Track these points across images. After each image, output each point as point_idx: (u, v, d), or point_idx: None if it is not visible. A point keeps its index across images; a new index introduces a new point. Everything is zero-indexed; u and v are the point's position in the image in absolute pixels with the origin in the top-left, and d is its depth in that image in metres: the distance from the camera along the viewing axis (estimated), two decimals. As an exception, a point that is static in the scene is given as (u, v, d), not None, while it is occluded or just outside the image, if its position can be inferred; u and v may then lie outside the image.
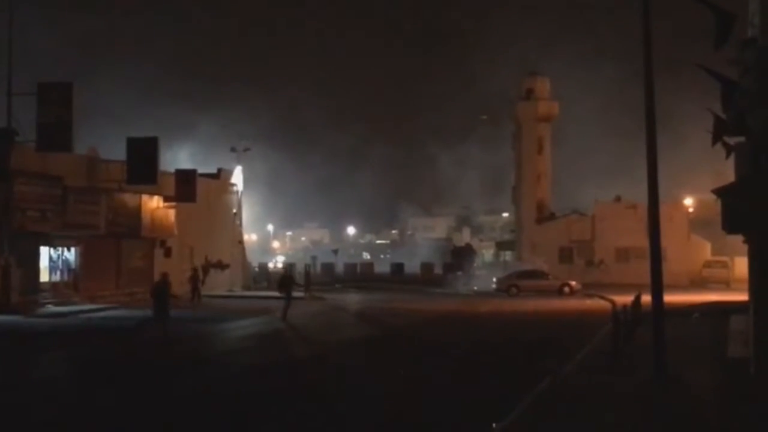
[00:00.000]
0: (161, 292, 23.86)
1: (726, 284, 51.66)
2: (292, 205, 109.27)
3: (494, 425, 11.07)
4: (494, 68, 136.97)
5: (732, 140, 18.68)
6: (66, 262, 37.47)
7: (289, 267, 35.69)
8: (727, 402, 13.10)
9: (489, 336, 25.48)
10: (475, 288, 54.26)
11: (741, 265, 46.99)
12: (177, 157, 54.19)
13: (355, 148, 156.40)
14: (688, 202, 67.23)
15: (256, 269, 59.41)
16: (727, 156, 19.80)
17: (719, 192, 14.52)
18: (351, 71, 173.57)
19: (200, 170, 50.16)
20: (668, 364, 14.70)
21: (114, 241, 39.97)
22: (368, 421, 12.32)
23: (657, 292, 14.26)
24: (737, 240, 35.23)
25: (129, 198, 39.66)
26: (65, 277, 37.42)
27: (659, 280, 14.35)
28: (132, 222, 39.79)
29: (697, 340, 20.92)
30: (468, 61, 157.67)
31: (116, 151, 38.99)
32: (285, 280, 31.64)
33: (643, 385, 14.06)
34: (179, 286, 44.92)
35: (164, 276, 24.66)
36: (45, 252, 35.94)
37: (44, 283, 35.73)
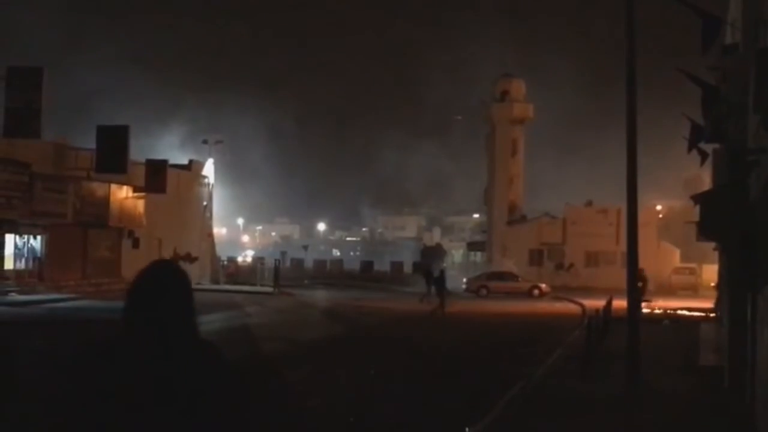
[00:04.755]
0: (439, 279, 35.04)
1: (694, 291, 51.89)
2: (263, 200, 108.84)
3: (467, 430, 10.87)
4: (468, 71, 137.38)
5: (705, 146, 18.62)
6: (31, 250, 36.87)
7: (443, 269, 40.12)
8: (702, 411, 12.99)
9: (458, 337, 25.28)
10: (445, 288, 54.09)
11: (709, 272, 47.23)
12: (157, 145, 53.62)
13: (329, 147, 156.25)
14: (658, 208, 67.51)
15: (224, 263, 58.80)
16: (702, 163, 19.72)
17: (697, 198, 14.37)
18: (325, 75, 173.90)
19: (180, 161, 49.70)
20: (640, 371, 14.57)
21: (81, 230, 39.38)
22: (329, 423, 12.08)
23: (633, 299, 14.13)
24: (705, 247, 35.25)
25: (97, 187, 39.06)
26: (30, 266, 36.84)
27: (635, 287, 14.23)
28: (100, 211, 39.19)
29: (668, 347, 20.88)
30: (441, 64, 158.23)
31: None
32: (439, 279, 35.22)
33: (616, 392, 13.93)
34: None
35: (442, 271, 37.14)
36: (10, 239, 35.34)
37: (8, 270, 35.14)
